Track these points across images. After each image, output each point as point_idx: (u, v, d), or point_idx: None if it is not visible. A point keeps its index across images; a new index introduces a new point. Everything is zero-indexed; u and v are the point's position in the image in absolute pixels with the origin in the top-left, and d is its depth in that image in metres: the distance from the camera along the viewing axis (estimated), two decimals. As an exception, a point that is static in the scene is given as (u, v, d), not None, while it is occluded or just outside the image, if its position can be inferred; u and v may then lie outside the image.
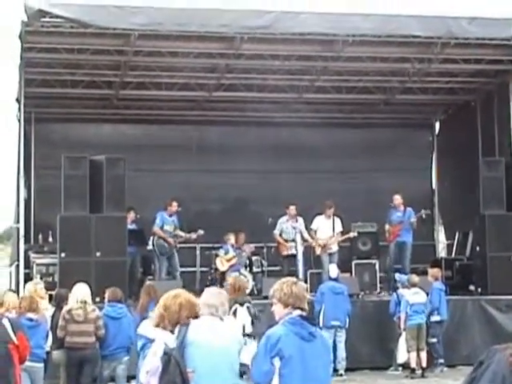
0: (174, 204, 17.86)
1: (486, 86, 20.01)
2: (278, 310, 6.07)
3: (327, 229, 18.13)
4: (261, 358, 5.85)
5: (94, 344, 11.81)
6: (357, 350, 16.36)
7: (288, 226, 18.02)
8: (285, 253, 18.08)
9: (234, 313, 10.40)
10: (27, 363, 8.98)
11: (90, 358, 11.76)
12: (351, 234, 18.59)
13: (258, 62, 18.03)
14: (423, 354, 15.69)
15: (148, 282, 13.11)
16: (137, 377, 6.46)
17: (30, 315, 10.70)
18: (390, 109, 21.53)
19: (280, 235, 18.09)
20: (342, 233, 18.37)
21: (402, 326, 15.76)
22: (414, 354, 15.63)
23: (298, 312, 5.98)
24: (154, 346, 6.16)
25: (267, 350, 5.83)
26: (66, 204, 16.13)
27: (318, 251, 17.98)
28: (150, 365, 6.03)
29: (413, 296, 15.78)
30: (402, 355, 15.78)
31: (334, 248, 18.17)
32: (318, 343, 6.00)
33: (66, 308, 11.83)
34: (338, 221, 18.26)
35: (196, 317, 6.21)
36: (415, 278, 16.21)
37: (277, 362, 5.80)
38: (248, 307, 10.91)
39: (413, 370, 15.66)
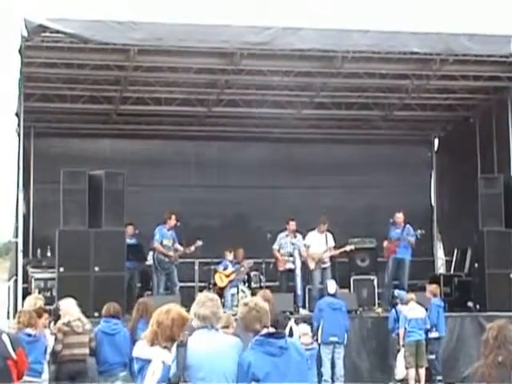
0: (173, 217, 17.81)
1: (485, 103, 20.05)
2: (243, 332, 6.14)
3: (321, 244, 18.12)
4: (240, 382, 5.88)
5: (87, 355, 11.83)
6: (356, 366, 16.35)
7: (287, 242, 18.02)
8: (282, 268, 18.08)
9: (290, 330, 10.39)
10: (25, 378, 8.94)
11: (85, 369, 11.79)
12: (348, 248, 18.52)
13: (257, 77, 18.06)
14: (422, 371, 15.64)
15: (141, 299, 12.99)
16: None
17: (29, 330, 10.68)
18: (388, 125, 21.56)
19: (278, 250, 18.09)
20: (335, 247, 18.33)
21: (401, 342, 15.74)
22: (412, 371, 15.58)
23: (263, 331, 5.99)
24: (151, 366, 6.15)
25: (242, 379, 5.87)
26: (64, 219, 16.15)
27: (312, 266, 17.95)
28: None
29: (410, 311, 15.76)
30: (400, 371, 15.74)
31: (327, 263, 18.17)
32: (291, 354, 6.02)
33: (63, 320, 11.77)
34: (330, 236, 18.26)
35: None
36: (408, 295, 16.24)
37: None
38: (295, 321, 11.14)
39: (411, 387, 15.64)
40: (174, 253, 17.64)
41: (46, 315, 11.51)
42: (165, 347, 6.21)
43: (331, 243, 18.23)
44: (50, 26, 14.74)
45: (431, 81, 18.42)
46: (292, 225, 18.04)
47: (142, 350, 6.37)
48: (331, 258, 18.32)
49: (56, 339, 11.63)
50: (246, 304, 6.19)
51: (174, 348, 6.03)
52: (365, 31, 16.10)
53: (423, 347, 15.74)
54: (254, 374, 5.82)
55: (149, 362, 6.19)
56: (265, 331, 6.00)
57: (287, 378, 5.89)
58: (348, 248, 18.53)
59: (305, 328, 10.81)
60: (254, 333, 6.03)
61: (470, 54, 16.65)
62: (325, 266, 18.07)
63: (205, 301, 6.25)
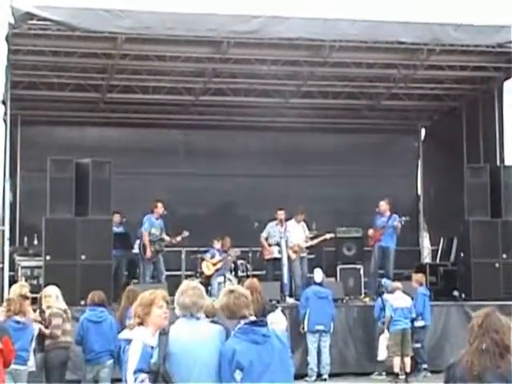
0: (160, 205, 17.79)
1: (472, 93, 20.11)
2: (227, 321, 6.16)
3: (299, 233, 18.18)
4: (225, 374, 5.89)
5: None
6: (342, 355, 16.41)
7: (276, 231, 18.04)
8: (267, 257, 18.12)
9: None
10: (12, 366, 8.97)
11: (70, 357, 11.85)
12: (327, 236, 18.57)
13: (244, 66, 18.07)
14: (407, 360, 15.71)
15: (129, 287, 12.99)
16: (123, 378, 6.48)
17: (18, 318, 10.70)
18: (375, 114, 21.59)
19: (266, 239, 18.12)
20: (315, 237, 18.37)
21: (385, 327, 15.77)
22: (397, 359, 15.65)
23: (244, 320, 6.01)
24: (132, 346, 6.21)
25: (226, 367, 5.86)
26: (51, 207, 16.13)
27: (294, 256, 17.98)
28: (134, 363, 6.08)
29: (396, 300, 15.83)
30: (381, 353, 15.79)
31: (305, 252, 18.25)
32: (273, 342, 6.03)
33: (60, 307, 11.77)
34: (305, 225, 18.35)
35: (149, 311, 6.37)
36: (394, 284, 16.30)
37: (238, 375, 5.82)
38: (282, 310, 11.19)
39: (396, 375, 15.70)
40: (154, 249, 17.55)
41: (27, 302, 11.52)
42: (138, 325, 6.32)
43: (306, 232, 18.32)
44: (37, 14, 14.70)
45: (418, 71, 18.46)
46: (280, 214, 18.05)
47: (125, 332, 6.46)
48: (312, 247, 18.38)
49: (55, 325, 11.61)
50: (232, 291, 6.17)
51: (156, 336, 6.06)
52: (352, 21, 16.12)
53: (409, 336, 15.81)
54: (239, 362, 5.83)
55: (130, 341, 6.27)
56: (247, 320, 6.02)
57: (270, 366, 5.90)
58: (328, 236, 18.55)
59: (275, 317, 10.81)
60: (238, 320, 6.04)
61: (457, 44, 16.71)
62: (303, 255, 18.13)
63: (186, 289, 6.26)
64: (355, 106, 21.03)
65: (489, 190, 17.78)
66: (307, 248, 18.27)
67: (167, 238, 17.85)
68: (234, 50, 16.81)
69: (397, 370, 15.68)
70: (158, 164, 20.68)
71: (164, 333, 5.99)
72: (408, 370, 15.74)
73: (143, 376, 5.87)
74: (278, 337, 6.13)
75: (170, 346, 5.92)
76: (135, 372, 6.09)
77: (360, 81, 19.51)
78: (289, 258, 17.85)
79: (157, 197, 18.27)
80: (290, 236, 17.93)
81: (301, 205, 18.34)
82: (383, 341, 15.77)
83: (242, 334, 5.94)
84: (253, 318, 6.07)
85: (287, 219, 18.21)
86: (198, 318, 6.16)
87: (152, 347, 6.20)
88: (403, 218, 18.29)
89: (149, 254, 17.47)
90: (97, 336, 11.72)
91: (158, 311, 6.46)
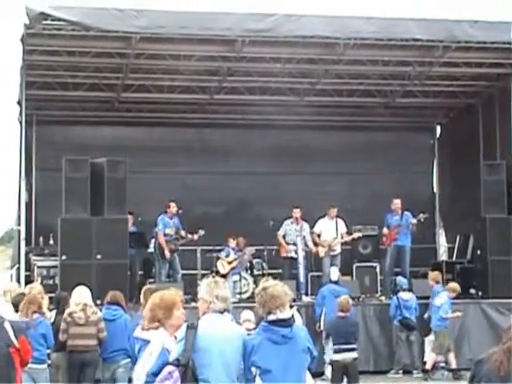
0: (173, 205, 17.80)
1: (488, 90, 20.01)
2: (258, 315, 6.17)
3: (331, 231, 18.12)
4: (243, 366, 5.95)
5: (96, 347, 11.81)
6: (358, 353, 16.34)
7: (292, 229, 18.02)
8: (284, 255, 18.09)
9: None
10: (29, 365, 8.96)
11: (91, 360, 11.76)
12: (355, 235, 18.52)
13: (259, 64, 18.04)
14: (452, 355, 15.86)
15: (147, 286, 12.99)
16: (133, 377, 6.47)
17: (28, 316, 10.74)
18: (391, 112, 21.52)
19: (283, 237, 18.08)
20: (347, 233, 18.34)
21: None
22: (451, 355, 15.80)
23: (270, 317, 5.99)
24: (149, 347, 6.18)
25: (244, 360, 5.93)
26: (66, 206, 16.15)
27: (323, 253, 17.94)
28: (149, 365, 6.05)
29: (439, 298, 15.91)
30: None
31: (338, 250, 18.15)
32: (297, 343, 6.02)
33: (67, 311, 11.82)
34: (341, 222, 18.27)
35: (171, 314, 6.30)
36: (451, 284, 16.35)
37: (254, 370, 5.87)
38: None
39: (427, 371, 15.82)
40: (171, 247, 17.55)
41: (45, 302, 11.57)
42: (156, 328, 6.28)
43: (342, 229, 18.25)
44: (51, 14, 14.74)
45: (434, 68, 18.38)
46: (296, 212, 18.03)
47: (141, 331, 6.43)
48: (344, 244, 18.35)
49: (61, 330, 11.66)
50: (265, 288, 6.11)
51: (182, 329, 6.00)
52: (367, 18, 16.09)
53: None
54: (256, 361, 5.86)
55: (147, 342, 6.23)
56: (271, 318, 5.98)
57: (289, 367, 5.89)
58: (356, 235, 18.51)
59: (247, 314, 10.79)
60: (266, 315, 6.01)
61: (473, 40, 16.63)
62: (334, 253, 18.06)
63: (217, 281, 6.22)
64: (370, 103, 20.97)
65: (505, 186, 17.71)
66: (342, 244, 18.24)
67: (184, 235, 17.83)
68: (249, 49, 16.79)
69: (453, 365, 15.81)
70: (173, 163, 20.70)
71: (192, 327, 5.94)
72: (429, 367, 15.74)
73: (171, 368, 5.84)
74: (301, 339, 6.07)
75: (198, 341, 5.88)
76: (149, 375, 6.06)
77: (375, 78, 19.45)
78: (317, 253, 17.84)
79: (172, 196, 18.28)
80: (305, 234, 17.91)
81: (329, 202, 18.34)
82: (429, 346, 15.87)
83: (263, 331, 5.94)
84: (281, 316, 6.02)
85: (321, 216, 18.21)
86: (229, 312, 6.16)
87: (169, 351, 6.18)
88: (422, 215, 18.21)
89: (167, 254, 17.50)
90: (111, 334, 11.73)
91: (178, 313, 6.43)
